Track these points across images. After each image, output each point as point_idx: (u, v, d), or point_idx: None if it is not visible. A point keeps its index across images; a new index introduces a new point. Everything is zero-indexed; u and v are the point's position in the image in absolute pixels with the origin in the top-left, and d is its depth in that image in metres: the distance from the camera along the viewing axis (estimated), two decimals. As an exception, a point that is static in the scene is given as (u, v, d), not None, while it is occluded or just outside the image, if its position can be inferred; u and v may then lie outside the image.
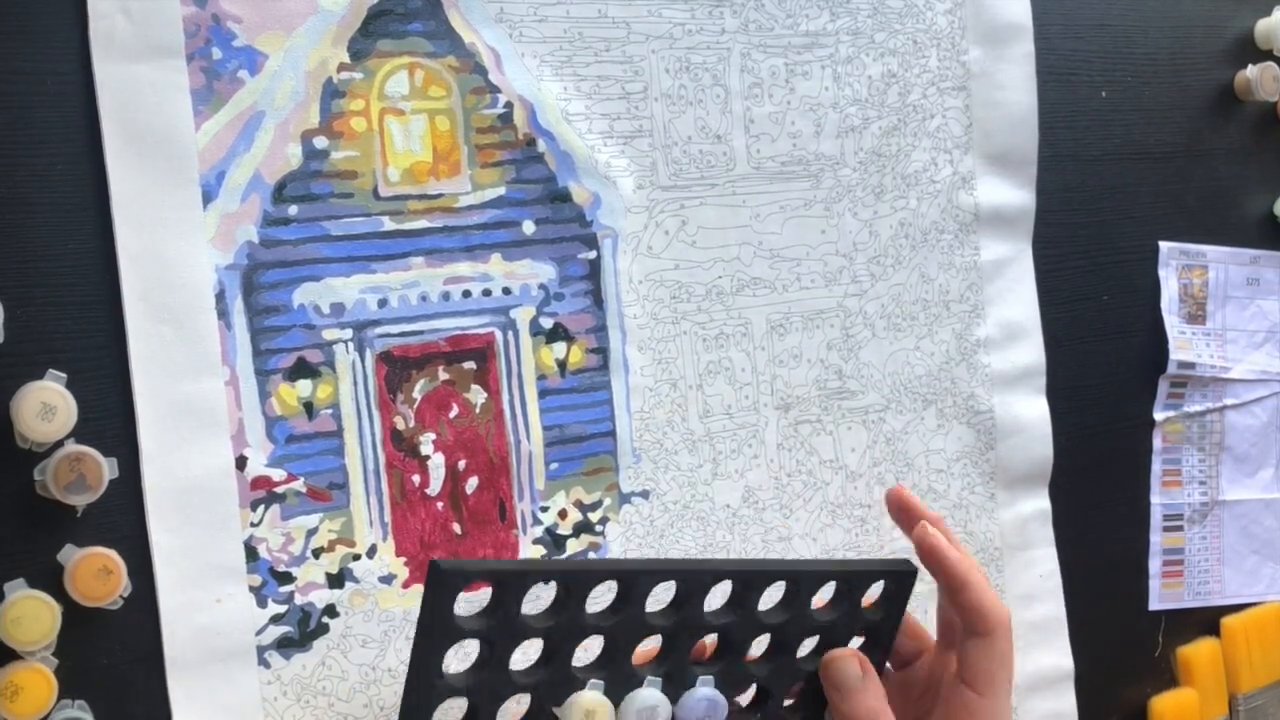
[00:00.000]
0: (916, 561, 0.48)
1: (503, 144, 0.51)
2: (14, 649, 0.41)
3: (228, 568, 0.45)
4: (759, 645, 0.46)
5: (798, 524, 0.58)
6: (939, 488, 0.62)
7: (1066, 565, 0.65)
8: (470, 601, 0.42)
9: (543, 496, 0.52)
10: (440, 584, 0.39)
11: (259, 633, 0.46)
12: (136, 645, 0.44)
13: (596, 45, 0.52)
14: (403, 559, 0.49)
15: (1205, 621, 0.71)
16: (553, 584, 0.42)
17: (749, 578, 0.45)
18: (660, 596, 0.44)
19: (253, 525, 0.46)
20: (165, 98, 0.44)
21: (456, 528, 0.50)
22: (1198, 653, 0.70)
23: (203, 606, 0.45)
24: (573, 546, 0.52)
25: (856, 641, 0.49)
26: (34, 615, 0.41)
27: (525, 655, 0.43)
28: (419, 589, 0.49)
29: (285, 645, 0.47)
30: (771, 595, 0.46)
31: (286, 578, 0.47)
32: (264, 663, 0.46)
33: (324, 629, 0.47)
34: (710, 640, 0.47)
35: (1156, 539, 0.69)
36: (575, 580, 0.42)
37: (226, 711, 0.45)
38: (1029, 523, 0.64)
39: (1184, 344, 0.68)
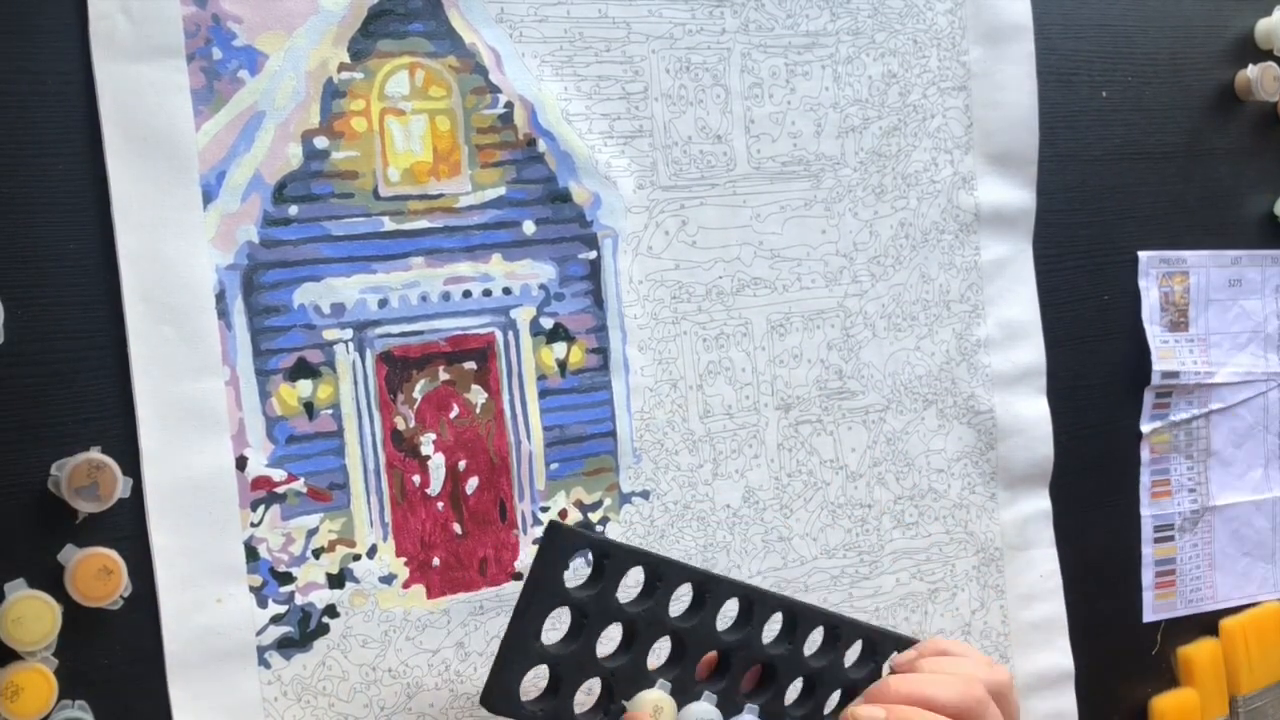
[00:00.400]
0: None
1: (503, 144, 0.51)
2: (14, 649, 0.41)
3: (228, 568, 0.45)
4: (796, 686, 0.48)
5: (798, 524, 0.58)
6: (939, 488, 0.62)
7: (1066, 565, 0.65)
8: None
9: (543, 496, 0.52)
10: (555, 544, 0.41)
11: (259, 633, 0.46)
12: (137, 645, 0.44)
13: (597, 45, 0.52)
14: (403, 559, 0.49)
15: (1205, 622, 0.71)
16: (642, 574, 0.44)
17: (801, 611, 0.48)
18: (726, 613, 0.46)
19: (253, 525, 0.46)
20: (165, 98, 0.44)
21: (457, 528, 0.50)
22: (1198, 653, 0.70)
23: (203, 606, 0.45)
24: (573, 546, 0.52)
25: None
26: (34, 615, 0.41)
27: (604, 647, 0.43)
28: (419, 589, 0.49)
29: (285, 645, 0.47)
30: (815, 639, 0.48)
31: (287, 578, 0.47)
32: (264, 663, 0.46)
33: (324, 629, 0.47)
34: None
35: (1148, 550, 0.69)
36: (667, 572, 0.44)
37: (227, 712, 0.45)
38: (1029, 523, 0.64)
39: (1167, 353, 0.68)
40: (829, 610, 0.49)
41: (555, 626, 0.43)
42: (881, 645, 0.50)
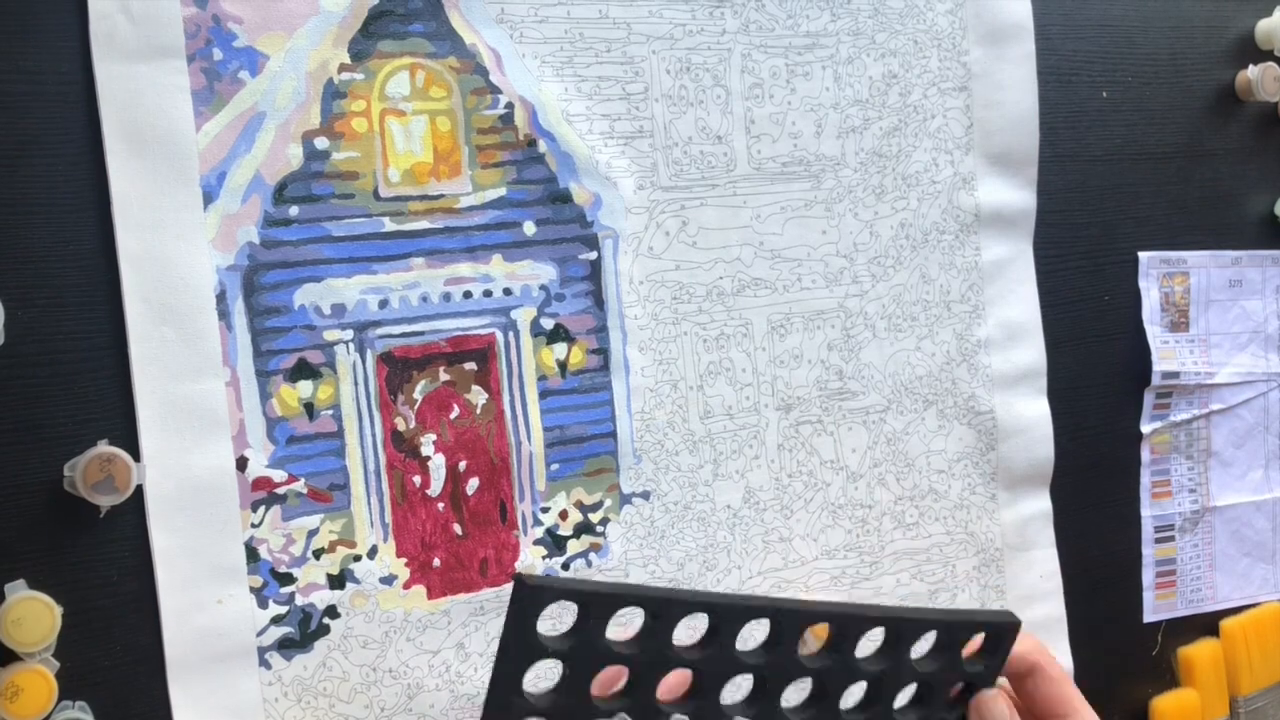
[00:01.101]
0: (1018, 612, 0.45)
1: (503, 145, 0.51)
2: (14, 650, 0.41)
3: (229, 568, 0.45)
4: (853, 693, 0.43)
5: (798, 524, 0.58)
6: (940, 488, 0.62)
7: (1067, 565, 0.65)
8: (553, 619, 0.41)
9: (543, 497, 0.52)
10: (524, 601, 0.37)
11: (260, 633, 0.46)
12: (137, 646, 0.44)
13: (597, 46, 0.52)
14: (403, 560, 0.49)
15: (1205, 622, 0.71)
16: (640, 610, 0.39)
17: (846, 622, 0.42)
18: (754, 634, 0.41)
19: (253, 526, 0.46)
20: (166, 98, 0.44)
21: (457, 528, 0.50)
22: (1198, 653, 0.70)
23: (204, 607, 0.45)
24: (573, 547, 0.52)
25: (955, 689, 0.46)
26: (34, 616, 0.41)
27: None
28: (420, 589, 0.49)
29: (286, 646, 0.47)
30: (869, 642, 0.43)
31: (287, 578, 0.47)
32: (265, 663, 0.46)
33: (325, 630, 0.47)
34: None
35: (1149, 551, 0.69)
36: (664, 608, 0.39)
37: (227, 712, 0.45)
38: (1030, 523, 0.64)
39: (1168, 354, 0.68)
40: (879, 612, 0.43)
41: (548, 676, 0.40)
42: (959, 632, 0.43)
